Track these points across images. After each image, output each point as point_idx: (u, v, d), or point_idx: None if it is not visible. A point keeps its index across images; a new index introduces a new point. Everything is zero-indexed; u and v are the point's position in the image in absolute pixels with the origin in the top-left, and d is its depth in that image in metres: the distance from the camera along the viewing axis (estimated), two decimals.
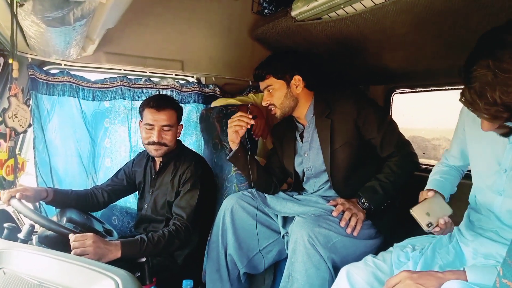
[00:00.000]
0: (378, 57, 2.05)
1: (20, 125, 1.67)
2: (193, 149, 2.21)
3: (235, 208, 1.77)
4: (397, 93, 2.62)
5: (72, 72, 2.17)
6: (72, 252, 1.40)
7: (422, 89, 2.51)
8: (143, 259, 1.54)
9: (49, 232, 1.52)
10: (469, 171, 1.45)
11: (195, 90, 2.52)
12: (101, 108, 2.31)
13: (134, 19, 2.09)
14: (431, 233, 1.22)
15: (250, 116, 1.73)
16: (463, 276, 0.96)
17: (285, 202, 1.80)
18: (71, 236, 1.44)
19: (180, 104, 2.04)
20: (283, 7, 2.13)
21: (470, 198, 1.30)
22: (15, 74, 1.49)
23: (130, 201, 2.39)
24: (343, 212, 1.61)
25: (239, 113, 1.75)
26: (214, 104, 2.38)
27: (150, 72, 2.42)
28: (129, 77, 2.32)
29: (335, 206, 1.65)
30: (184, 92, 2.48)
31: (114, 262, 1.44)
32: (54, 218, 1.69)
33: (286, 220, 1.74)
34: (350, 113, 1.69)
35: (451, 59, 1.79)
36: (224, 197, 1.89)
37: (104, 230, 1.78)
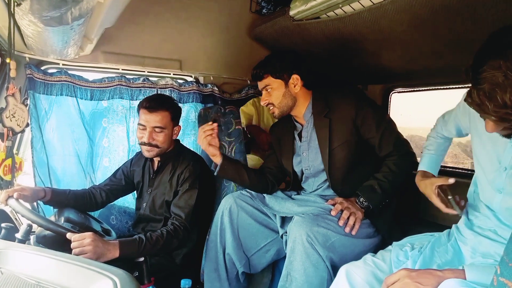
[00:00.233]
0: (376, 56, 2.06)
1: (18, 125, 1.67)
2: (191, 149, 2.21)
3: (233, 208, 1.77)
4: (395, 92, 2.63)
5: (70, 72, 2.16)
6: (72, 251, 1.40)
7: (420, 89, 2.52)
8: (141, 259, 1.53)
9: (47, 232, 1.51)
10: (468, 170, 1.47)
11: (194, 90, 2.51)
12: (99, 107, 2.30)
13: (132, 18, 2.09)
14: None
15: (210, 122, 1.77)
16: (462, 274, 0.96)
17: (283, 202, 1.80)
18: (70, 235, 1.44)
19: (179, 104, 2.03)
20: (281, 6, 2.13)
21: (468, 194, 1.30)
22: (12, 73, 1.49)
23: (128, 201, 2.39)
24: (342, 211, 1.61)
25: (200, 129, 1.78)
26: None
27: (148, 72, 2.41)
28: (127, 76, 2.32)
29: (333, 205, 1.65)
30: (182, 91, 2.48)
31: (112, 262, 1.44)
32: (52, 218, 1.69)
33: (285, 220, 1.74)
34: (349, 112, 1.69)
35: (449, 59, 1.80)
36: (223, 196, 1.89)
37: (102, 229, 1.78)
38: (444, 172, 2.23)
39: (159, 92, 2.37)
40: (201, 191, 1.87)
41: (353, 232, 1.58)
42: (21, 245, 1.26)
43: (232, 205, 1.77)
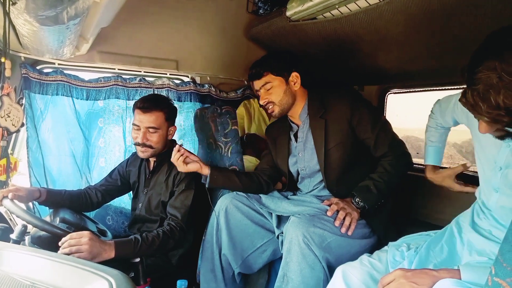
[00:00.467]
0: (372, 57, 2.06)
1: (13, 125, 1.66)
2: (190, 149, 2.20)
3: (229, 208, 1.77)
4: (391, 93, 2.64)
5: (65, 71, 2.15)
6: (67, 249, 1.39)
7: (416, 89, 2.53)
8: (137, 259, 1.53)
9: (42, 233, 1.51)
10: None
11: (191, 90, 2.51)
12: (95, 107, 2.29)
13: (128, 18, 2.08)
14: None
15: (176, 148, 1.77)
16: (457, 274, 0.97)
17: (279, 202, 1.80)
18: (67, 237, 1.43)
19: (178, 102, 2.02)
20: (278, 7, 2.13)
21: (476, 193, 1.32)
22: (7, 73, 1.48)
23: (124, 201, 2.38)
24: (338, 211, 1.62)
25: (172, 156, 1.78)
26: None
27: (144, 72, 2.41)
28: (123, 76, 2.31)
29: (329, 205, 1.66)
30: (180, 91, 2.47)
31: (107, 263, 1.44)
32: (47, 218, 1.68)
33: (281, 220, 1.74)
34: (344, 113, 1.70)
35: (445, 59, 1.81)
36: (219, 197, 1.89)
37: (98, 230, 1.77)
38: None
39: (156, 92, 2.36)
40: (197, 192, 1.86)
41: (349, 233, 1.58)
42: (16, 246, 1.26)
43: (228, 206, 1.77)
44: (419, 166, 2.55)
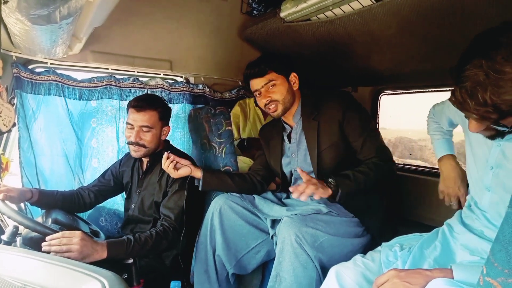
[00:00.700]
0: (365, 59, 2.08)
1: (4, 125, 1.64)
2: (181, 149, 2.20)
3: (223, 209, 1.77)
4: (384, 94, 2.66)
5: (58, 71, 2.13)
6: (58, 248, 1.37)
7: (409, 91, 2.56)
8: (130, 260, 1.52)
9: (34, 234, 1.49)
10: None
11: (184, 90, 2.50)
12: (88, 107, 2.28)
13: (122, 18, 2.07)
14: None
15: (164, 156, 1.76)
16: (450, 274, 0.97)
17: (272, 205, 1.80)
18: (59, 234, 1.42)
19: (169, 104, 2.02)
20: (272, 8, 2.14)
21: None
22: None
23: (117, 202, 2.36)
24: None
25: (163, 163, 1.77)
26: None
27: (138, 72, 2.40)
28: (116, 76, 2.29)
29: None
30: (173, 92, 2.46)
31: (100, 264, 1.43)
32: (39, 219, 1.66)
33: (275, 221, 1.75)
34: (336, 115, 1.71)
35: (437, 61, 1.82)
36: (213, 197, 1.88)
37: (91, 231, 1.76)
38: (433, 173, 2.26)
39: (149, 92, 2.35)
40: (191, 192, 1.86)
41: (302, 198, 1.48)
42: (7, 247, 1.25)
43: (222, 206, 1.77)
44: (412, 167, 2.57)
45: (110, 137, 2.37)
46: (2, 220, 1.80)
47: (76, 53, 2.00)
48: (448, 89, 2.15)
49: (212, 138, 2.05)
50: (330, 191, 1.56)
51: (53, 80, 2.11)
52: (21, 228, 1.49)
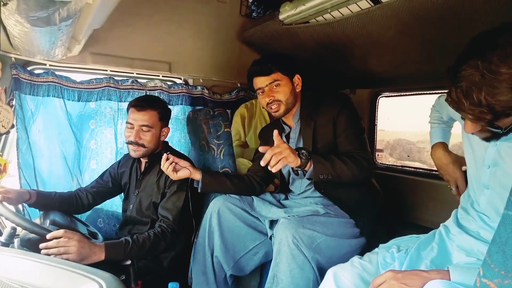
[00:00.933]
0: (364, 61, 2.08)
1: (2, 126, 1.64)
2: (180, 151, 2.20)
3: (222, 210, 1.77)
4: (382, 96, 2.67)
5: (57, 73, 2.13)
6: (56, 249, 1.37)
7: (407, 93, 2.56)
8: (128, 262, 1.52)
9: (32, 235, 1.49)
10: None
11: (183, 92, 2.51)
12: (86, 109, 2.28)
13: (121, 19, 2.08)
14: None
15: (164, 157, 1.75)
16: (447, 275, 0.98)
17: (270, 207, 1.80)
18: (57, 233, 1.41)
19: (168, 106, 2.03)
20: (271, 10, 2.15)
21: (462, 195, 1.33)
22: None
23: (116, 204, 2.36)
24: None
25: (162, 164, 1.76)
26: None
27: (137, 73, 2.40)
28: (115, 78, 2.30)
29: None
30: (171, 93, 2.47)
31: (99, 265, 1.43)
32: (37, 221, 1.66)
33: (273, 222, 1.75)
34: (332, 114, 1.73)
35: (435, 64, 1.83)
36: (211, 199, 1.88)
37: (89, 232, 1.75)
38: (431, 175, 2.27)
39: (148, 94, 2.35)
40: (189, 193, 1.86)
41: (273, 169, 1.45)
42: (5, 249, 1.24)
43: (220, 208, 1.77)
44: (410, 169, 2.58)
45: (108, 138, 2.37)
46: (0, 222, 1.79)
47: (75, 55, 2.00)
48: (445, 91, 2.16)
49: (211, 139, 2.06)
50: (299, 161, 1.51)
51: (52, 82, 2.11)
52: (18, 229, 1.49)
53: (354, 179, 1.60)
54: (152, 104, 1.88)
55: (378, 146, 2.81)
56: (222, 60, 2.55)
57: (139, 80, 2.39)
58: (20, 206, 1.89)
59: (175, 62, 2.40)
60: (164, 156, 1.76)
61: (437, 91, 2.28)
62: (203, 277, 1.78)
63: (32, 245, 1.51)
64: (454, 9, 1.33)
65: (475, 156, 1.20)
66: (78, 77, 2.23)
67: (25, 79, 2.02)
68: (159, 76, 2.47)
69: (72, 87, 2.18)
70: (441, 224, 1.32)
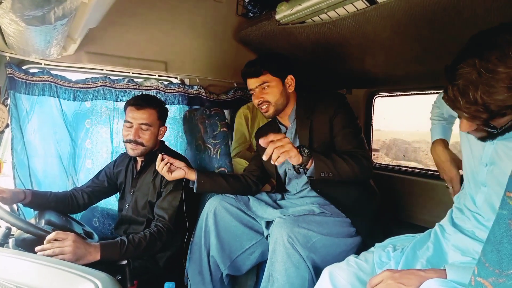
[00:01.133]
0: (360, 61, 2.09)
1: None
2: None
3: (218, 210, 1.77)
4: (378, 96, 2.68)
5: (52, 72, 2.12)
6: (51, 251, 1.37)
7: (403, 93, 2.57)
8: (124, 262, 1.52)
9: (27, 235, 1.48)
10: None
11: (179, 91, 2.50)
12: (82, 108, 2.27)
13: (117, 19, 2.07)
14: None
15: (159, 158, 1.74)
16: (444, 274, 0.98)
17: (266, 207, 1.81)
18: (52, 235, 1.41)
19: (167, 105, 2.03)
20: (267, 10, 2.15)
21: (456, 195, 1.34)
22: None
23: (111, 203, 2.35)
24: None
25: (157, 165, 1.75)
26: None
27: (133, 73, 2.39)
28: (111, 77, 2.29)
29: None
30: (168, 93, 2.46)
31: (94, 265, 1.42)
32: (32, 221, 1.65)
33: (269, 222, 1.75)
34: (328, 114, 1.73)
35: (430, 64, 1.84)
36: (207, 198, 1.88)
37: (84, 232, 1.75)
38: (426, 175, 2.28)
39: (144, 93, 2.34)
40: (185, 193, 1.86)
41: (276, 162, 1.43)
42: (0, 249, 1.23)
43: (217, 207, 1.77)
44: (405, 168, 2.59)
45: (104, 138, 2.36)
46: None
47: (71, 54, 1.99)
48: (441, 91, 2.17)
49: (207, 139, 2.06)
50: (300, 159, 1.50)
51: (47, 81, 2.09)
52: (13, 229, 1.48)
53: (355, 178, 1.61)
54: (151, 103, 1.89)
55: (374, 146, 2.82)
56: (218, 60, 2.54)
57: (135, 79, 2.38)
58: (14, 206, 1.88)
59: (171, 62, 2.39)
60: (159, 156, 1.76)
61: (433, 91, 2.30)
62: (199, 276, 1.78)
63: (27, 245, 1.50)
64: (449, 9, 1.34)
65: (472, 154, 1.20)
66: (73, 76, 2.22)
67: (20, 78, 2.00)
68: (155, 75, 2.46)
69: (67, 86, 2.17)
70: (436, 224, 1.33)
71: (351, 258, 1.31)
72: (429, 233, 1.32)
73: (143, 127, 1.86)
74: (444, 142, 1.48)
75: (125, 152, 2.13)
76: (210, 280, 1.77)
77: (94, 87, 2.24)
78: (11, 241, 1.55)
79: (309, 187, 1.81)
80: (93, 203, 2.07)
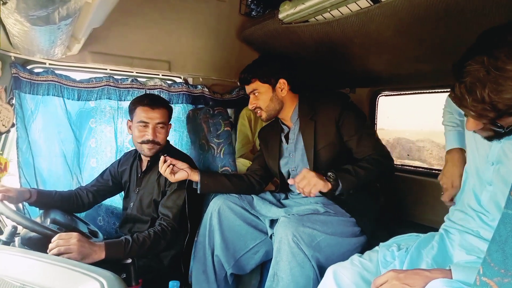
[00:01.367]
0: (363, 60, 2.09)
1: (3, 125, 1.65)
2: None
3: (222, 209, 1.77)
4: (382, 95, 2.67)
5: (57, 72, 2.13)
6: (56, 250, 1.38)
7: (407, 92, 2.57)
8: (129, 260, 1.52)
9: (32, 234, 1.49)
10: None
11: (183, 91, 2.51)
12: (86, 108, 2.28)
13: (120, 18, 2.07)
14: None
15: (161, 159, 1.75)
16: (449, 274, 0.97)
17: (270, 206, 1.81)
18: (56, 236, 1.42)
19: (171, 104, 2.04)
20: (270, 9, 2.15)
21: (456, 197, 1.33)
22: None
23: (116, 202, 2.36)
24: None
25: (160, 167, 1.77)
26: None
27: (136, 72, 2.40)
28: (115, 77, 2.29)
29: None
30: (172, 92, 2.47)
31: (99, 264, 1.43)
32: (38, 219, 1.66)
33: (273, 221, 1.75)
34: (333, 115, 1.72)
35: (434, 63, 1.83)
36: (212, 197, 1.89)
37: (89, 231, 1.76)
38: (431, 174, 2.27)
39: (147, 92, 2.35)
40: (190, 192, 1.86)
41: (309, 194, 1.51)
42: (6, 247, 1.25)
43: (221, 206, 1.77)
44: (410, 167, 2.58)
45: (108, 137, 2.37)
46: (0, 220, 1.80)
47: (75, 54, 2.00)
48: (445, 90, 2.16)
49: (211, 138, 2.06)
50: (329, 185, 1.54)
51: (52, 81, 2.11)
52: (19, 228, 1.49)
53: (380, 179, 1.69)
54: (163, 102, 1.92)
55: None
56: (221, 59, 2.55)
57: (138, 79, 2.39)
58: (20, 205, 1.89)
59: (174, 61, 2.40)
60: (162, 158, 1.76)
61: (436, 90, 2.29)
62: (204, 275, 1.78)
63: (33, 244, 1.51)
64: (452, 8, 1.33)
65: (479, 152, 1.19)
66: (77, 76, 2.23)
67: (24, 78, 2.02)
68: (158, 75, 2.47)
69: (71, 86, 2.18)
70: (441, 227, 1.32)
71: (355, 257, 1.31)
72: (433, 233, 1.32)
73: (160, 126, 1.88)
74: (463, 152, 1.42)
75: (130, 151, 2.15)
76: (214, 279, 1.78)
77: (98, 87, 2.25)
78: (17, 239, 1.56)
79: None
80: (98, 202, 2.08)
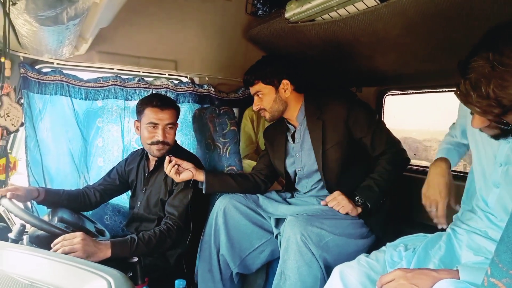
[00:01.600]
0: (370, 59, 2.07)
1: (12, 124, 1.66)
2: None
3: (228, 208, 1.77)
4: (389, 95, 2.65)
5: (64, 71, 2.15)
6: (60, 250, 1.39)
7: (414, 91, 2.55)
8: (135, 259, 1.53)
9: (40, 232, 1.50)
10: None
11: (189, 90, 2.51)
12: (93, 107, 2.30)
13: (127, 18, 2.09)
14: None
15: (166, 159, 1.77)
16: (457, 275, 0.96)
17: (277, 205, 1.81)
18: (60, 238, 1.43)
19: (179, 104, 2.05)
20: (277, 8, 2.14)
21: (464, 193, 1.32)
22: (7, 73, 1.48)
23: (122, 201, 2.38)
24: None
25: (165, 167, 1.78)
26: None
27: (143, 72, 2.41)
28: (122, 76, 2.31)
29: (327, 204, 1.71)
30: (178, 91, 2.48)
31: (106, 263, 1.44)
32: (46, 218, 1.68)
33: (279, 220, 1.75)
34: (341, 114, 1.72)
35: (442, 62, 1.82)
36: (217, 197, 1.89)
37: (96, 230, 1.77)
38: None
39: (154, 92, 2.36)
40: (196, 191, 1.87)
41: (341, 211, 1.66)
42: (14, 245, 1.26)
43: (226, 206, 1.78)
44: (417, 167, 2.56)
45: (115, 136, 2.38)
46: (9, 219, 1.81)
47: (82, 54, 2.02)
48: (452, 90, 2.14)
49: (217, 138, 2.06)
50: (359, 210, 1.68)
51: (60, 80, 2.13)
52: (28, 226, 1.51)
53: (399, 176, 1.77)
54: (171, 103, 1.92)
55: None
56: (227, 59, 2.55)
57: (145, 78, 2.40)
58: (28, 203, 1.92)
59: (181, 61, 2.41)
60: (167, 158, 1.77)
61: (443, 89, 2.27)
62: (209, 274, 1.79)
63: (40, 242, 1.53)
64: (461, 6, 1.32)
65: (486, 154, 1.18)
66: (85, 75, 2.25)
67: (33, 77, 2.04)
68: (165, 74, 2.48)
69: (79, 85, 2.20)
70: (448, 227, 1.31)
71: (362, 257, 1.30)
72: (441, 234, 1.31)
73: (169, 126, 1.88)
74: (447, 162, 1.38)
75: (136, 150, 2.16)
76: (220, 278, 1.78)
77: (105, 86, 2.26)
78: (25, 237, 1.58)
79: (319, 186, 1.82)
80: (105, 200, 2.09)
